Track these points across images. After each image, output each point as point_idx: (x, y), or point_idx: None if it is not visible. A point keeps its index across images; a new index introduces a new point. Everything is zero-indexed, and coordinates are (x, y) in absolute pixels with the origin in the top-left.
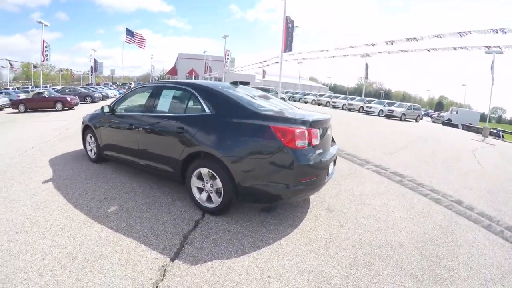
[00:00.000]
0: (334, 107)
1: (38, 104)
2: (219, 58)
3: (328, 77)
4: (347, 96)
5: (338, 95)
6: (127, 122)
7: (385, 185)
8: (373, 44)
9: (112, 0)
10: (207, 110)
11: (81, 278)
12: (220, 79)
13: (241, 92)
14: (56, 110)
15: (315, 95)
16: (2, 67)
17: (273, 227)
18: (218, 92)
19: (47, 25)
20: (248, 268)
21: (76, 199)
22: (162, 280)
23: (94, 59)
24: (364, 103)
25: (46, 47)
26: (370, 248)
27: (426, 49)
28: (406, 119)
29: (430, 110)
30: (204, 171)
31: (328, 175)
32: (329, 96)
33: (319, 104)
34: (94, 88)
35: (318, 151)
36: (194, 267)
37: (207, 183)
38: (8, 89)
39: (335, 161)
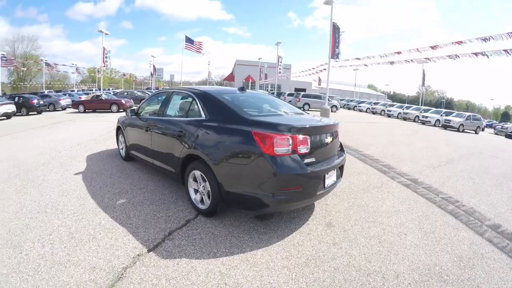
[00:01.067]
0: (389, 116)
1: (95, 105)
2: (275, 65)
3: (386, 85)
4: (402, 104)
5: (394, 103)
6: (145, 124)
7: (409, 203)
8: (433, 47)
9: (174, 10)
10: (203, 115)
11: (70, 253)
12: (277, 86)
13: (242, 98)
14: (112, 112)
15: (369, 103)
16: (72, 72)
17: (258, 235)
18: (214, 98)
19: (107, 34)
20: (209, 272)
21: (95, 190)
22: (131, 266)
23: (153, 65)
24: (420, 112)
25: (106, 54)
26: (356, 274)
27: (504, 50)
28: (465, 130)
29: (494, 121)
30: (197, 173)
31: (324, 187)
32: (384, 105)
33: (373, 113)
34: (151, 91)
35: (308, 160)
36: (163, 261)
37: (200, 185)
38: (74, 91)
39: (340, 172)
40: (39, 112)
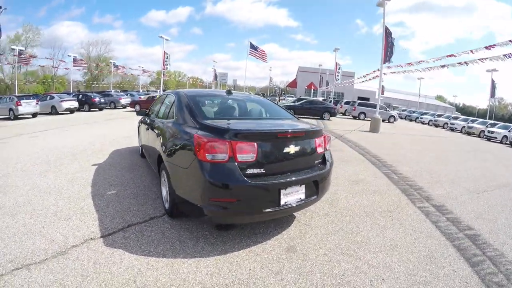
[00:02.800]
0: (452, 129)
1: (149, 105)
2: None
3: (453, 96)
4: (468, 118)
5: (458, 116)
6: (147, 125)
7: (417, 237)
8: (489, 47)
9: (243, 17)
10: (174, 117)
11: (45, 227)
12: (339, 94)
13: (218, 101)
14: None
15: (432, 115)
16: (138, 75)
17: (203, 245)
18: (185, 100)
19: (167, 39)
20: (130, 267)
21: (98, 180)
22: (78, 246)
23: (214, 69)
24: (486, 126)
25: (166, 58)
26: None
27: None
28: None
29: None
30: (164, 174)
31: (280, 205)
32: (447, 117)
33: (436, 126)
34: None
35: (254, 170)
36: (103, 248)
37: (166, 185)
38: (139, 91)
39: (316, 189)
40: (101, 109)
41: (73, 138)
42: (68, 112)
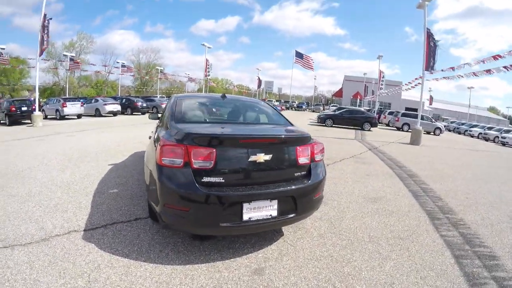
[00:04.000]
0: (503, 144)
1: None
2: (386, 81)
3: (507, 107)
4: None
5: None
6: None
7: (424, 275)
8: None
9: (290, 27)
10: (162, 119)
11: (42, 216)
12: (386, 104)
13: (207, 104)
14: None
15: (482, 127)
16: (184, 81)
17: (168, 252)
18: (173, 103)
19: (210, 47)
20: (91, 262)
21: (107, 178)
22: (60, 236)
23: (258, 77)
24: None
25: (209, 66)
26: None
27: None
28: None
29: None
30: None
31: (242, 220)
32: (499, 130)
33: (486, 139)
34: None
35: (211, 179)
36: (79, 240)
37: None
38: None
39: (294, 205)
40: (143, 113)
41: (103, 139)
42: (111, 115)
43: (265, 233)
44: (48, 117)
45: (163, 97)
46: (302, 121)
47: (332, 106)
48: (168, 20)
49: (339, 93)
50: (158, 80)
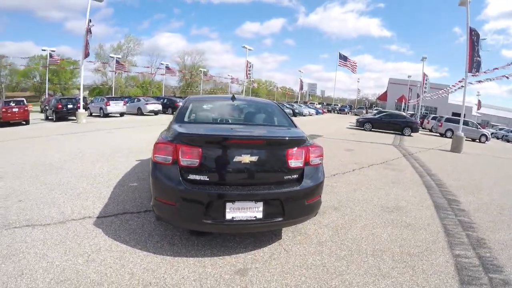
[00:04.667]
0: None
1: None
2: (432, 85)
3: None
4: None
5: None
6: None
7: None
8: None
9: (335, 28)
10: None
11: (65, 202)
12: (432, 108)
13: (215, 106)
14: None
15: None
16: (232, 83)
17: (163, 242)
18: (182, 103)
19: (250, 49)
20: (94, 245)
21: (132, 172)
22: (75, 220)
23: (300, 79)
24: None
25: (249, 67)
26: None
27: None
28: None
29: None
30: None
31: (225, 218)
32: None
33: None
34: (290, 105)
35: (196, 177)
36: (89, 225)
37: None
38: None
39: (282, 209)
40: None
41: (139, 137)
42: (152, 114)
43: (262, 235)
44: (93, 114)
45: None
46: (341, 125)
47: (375, 110)
48: (214, 23)
49: (383, 97)
50: (201, 81)
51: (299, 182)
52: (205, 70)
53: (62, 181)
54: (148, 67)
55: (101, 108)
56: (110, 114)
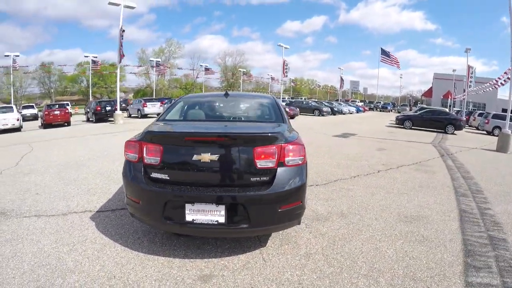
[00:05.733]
0: None
1: None
2: (479, 79)
3: None
4: None
5: None
6: None
7: None
8: None
9: (377, 23)
10: None
11: (75, 195)
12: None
13: (204, 103)
14: None
15: None
16: (272, 83)
17: (144, 239)
18: (172, 103)
19: (287, 48)
20: (83, 238)
21: None
22: (77, 213)
23: (341, 77)
24: None
25: (286, 65)
26: None
27: None
28: None
29: None
30: None
31: (185, 219)
32: None
33: None
34: (329, 103)
35: (158, 175)
36: (85, 218)
37: None
38: None
39: (247, 214)
40: None
41: None
42: (155, 116)
43: (245, 240)
44: (132, 115)
45: None
46: (380, 123)
47: (417, 107)
48: (254, 24)
49: (428, 93)
50: (241, 82)
51: (268, 185)
52: (245, 70)
53: (79, 177)
54: (192, 69)
55: (138, 110)
56: (148, 115)
